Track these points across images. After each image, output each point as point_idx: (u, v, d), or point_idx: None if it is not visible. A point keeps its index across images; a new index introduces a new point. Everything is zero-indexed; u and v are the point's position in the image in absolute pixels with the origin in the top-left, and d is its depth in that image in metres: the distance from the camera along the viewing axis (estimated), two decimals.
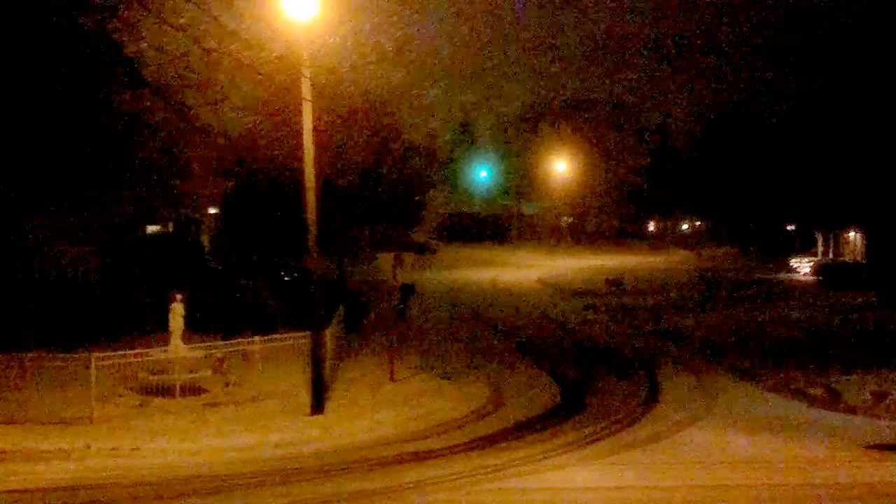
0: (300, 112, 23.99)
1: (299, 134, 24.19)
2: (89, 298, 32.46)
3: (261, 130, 34.16)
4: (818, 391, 26.14)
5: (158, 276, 33.88)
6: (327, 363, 26.72)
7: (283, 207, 33.85)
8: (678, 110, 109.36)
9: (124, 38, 24.77)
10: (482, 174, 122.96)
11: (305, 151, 23.95)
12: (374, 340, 35.95)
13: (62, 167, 28.60)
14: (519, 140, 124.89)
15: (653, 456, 19.44)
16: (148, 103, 29.29)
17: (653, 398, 26.22)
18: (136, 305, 32.56)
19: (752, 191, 76.10)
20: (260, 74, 24.13)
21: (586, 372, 30.62)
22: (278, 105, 31.25)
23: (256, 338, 26.72)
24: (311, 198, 23.91)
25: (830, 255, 69.01)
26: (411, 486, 16.59)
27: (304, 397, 24.54)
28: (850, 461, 18.70)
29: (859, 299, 48.03)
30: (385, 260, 29.32)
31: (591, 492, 16.56)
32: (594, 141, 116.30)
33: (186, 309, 26.84)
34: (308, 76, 23.32)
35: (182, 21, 21.50)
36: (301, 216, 24.18)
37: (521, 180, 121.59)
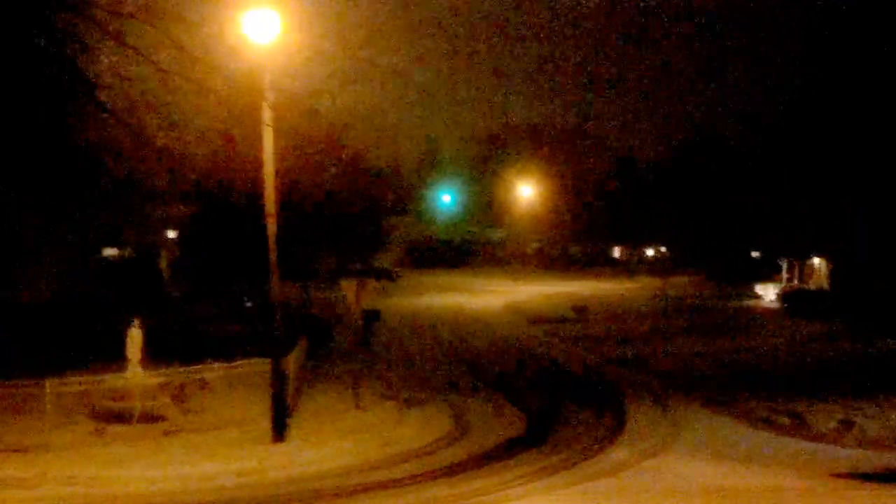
0: (261, 137, 23.71)
1: (260, 159, 23.89)
2: (44, 323, 31.87)
3: (222, 155, 33.82)
4: (785, 420, 26.08)
5: (116, 301, 33.36)
6: (290, 390, 26.35)
7: (244, 232, 33.49)
8: (643, 137, 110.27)
9: (83, 62, 24.39)
10: (445, 199, 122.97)
11: (266, 177, 23.66)
12: (338, 367, 35.61)
13: (16, 187, 28.11)
14: (483, 165, 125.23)
15: (617, 485, 19.26)
16: (107, 128, 28.90)
17: (618, 427, 26.01)
18: (92, 331, 31.96)
19: (716, 218, 76.53)
20: (219, 101, 23.82)
21: (551, 400, 30.39)
22: (239, 129, 30.96)
23: (216, 364, 26.28)
24: (272, 223, 23.61)
25: (795, 283, 69.36)
26: None
27: (266, 425, 24.12)
28: (817, 490, 18.57)
29: (825, 327, 48.20)
30: (348, 286, 29.10)
31: None
32: (559, 167, 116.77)
33: (144, 335, 26.37)
34: (269, 102, 23.05)
35: (141, 44, 21.17)
36: (262, 241, 23.88)
37: (485, 206, 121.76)
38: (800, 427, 25.08)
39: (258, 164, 24.24)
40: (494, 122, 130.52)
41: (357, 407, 27.92)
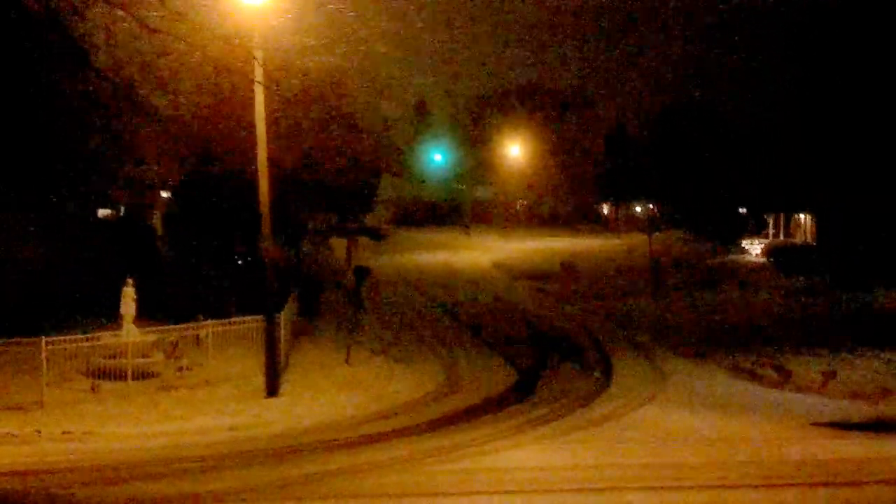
0: (252, 96, 23.88)
1: (252, 117, 24.07)
2: (38, 283, 32.05)
3: (213, 114, 33.89)
4: (769, 371, 26.55)
5: (110, 261, 33.51)
6: (282, 347, 26.69)
7: (237, 192, 33.60)
8: (633, 96, 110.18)
9: (70, 21, 24.42)
10: (437, 158, 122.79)
11: (259, 135, 23.86)
12: (330, 324, 35.96)
13: (8, 150, 28.20)
14: (474, 125, 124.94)
15: (606, 435, 19.62)
16: (95, 87, 28.95)
17: (606, 380, 26.46)
18: (86, 291, 32.17)
19: (704, 174, 76.69)
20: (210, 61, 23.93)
21: (541, 354, 30.81)
22: (230, 89, 31.07)
23: (210, 322, 26.56)
24: (264, 182, 23.84)
25: (781, 238, 69.80)
26: (366, 468, 16.61)
27: (259, 381, 24.50)
28: (799, 439, 18.98)
29: (810, 282, 48.62)
30: (339, 244, 29.34)
31: (544, 471, 16.66)
32: (548, 126, 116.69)
33: (138, 294, 26.62)
34: (260, 60, 23.18)
35: (130, 4, 21.23)
36: (255, 201, 24.12)
37: (475, 165, 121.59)
38: (783, 378, 25.56)
39: (250, 123, 24.43)
40: (485, 82, 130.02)
41: (348, 363, 28.28)
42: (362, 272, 44.61)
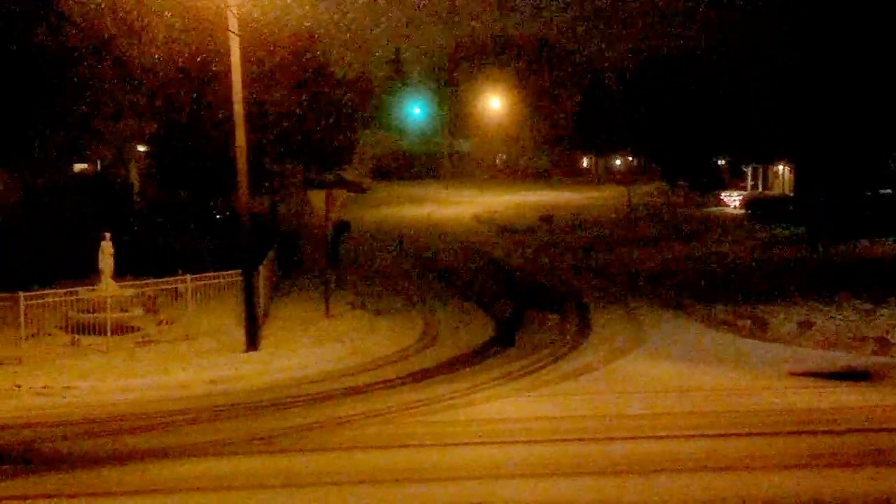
0: (228, 48, 23.64)
1: (227, 70, 23.85)
2: (16, 239, 31.84)
3: (188, 67, 33.56)
4: (746, 322, 26.68)
5: (86, 216, 33.30)
6: (261, 301, 26.68)
7: (214, 145, 33.40)
8: (610, 46, 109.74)
9: None
10: (416, 111, 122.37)
11: (234, 88, 23.65)
12: (309, 279, 35.94)
13: None
14: (452, 78, 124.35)
15: (585, 387, 19.71)
16: (70, 40, 28.58)
17: (585, 331, 26.57)
18: (62, 246, 31.99)
19: (682, 126, 76.76)
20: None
21: (520, 307, 30.89)
22: (205, 41, 30.75)
23: (188, 276, 26.48)
24: (240, 135, 23.67)
25: (760, 189, 70.03)
26: (344, 420, 16.66)
27: (238, 335, 24.51)
28: (775, 388, 19.12)
29: (787, 233, 48.89)
30: (317, 198, 29.13)
31: (522, 422, 16.74)
32: (527, 78, 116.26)
33: (116, 249, 26.49)
34: (234, 10, 22.94)
35: None
36: (232, 154, 23.96)
37: (454, 118, 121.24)
38: (760, 329, 25.70)
39: (226, 76, 24.21)
40: (463, 34, 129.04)
41: (327, 316, 28.28)
42: (341, 226, 44.50)
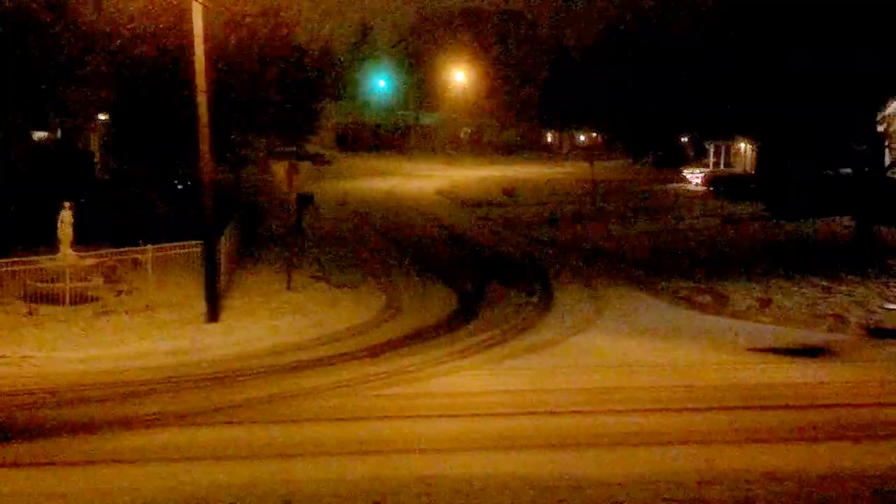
0: (190, 14, 23.41)
1: (191, 37, 23.61)
2: None
3: (151, 34, 33.17)
4: (706, 298, 26.92)
5: (45, 186, 32.91)
6: (222, 272, 26.53)
7: (176, 114, 33.06)
8: (574, 21, 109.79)
9: None
10: (380, 83, 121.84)
11: (197, 55, 23.41)
12: (271, 251, 35.79)
13: None
14: (417, 50, 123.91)
15: (545, 361, 19.81)
16: (30, 6, 28.19)
17: (546, 306, 26.67)
18: (21, 215, 31.61)
19: (646, 102, 76.98)
20: None
21: (482, 281, 30.94)
22: (169, 9, 30.41)
23: (148, 246, 26.26)
24: (202, 103, 23.45)
25: (722, 167, 70.47)
26: (305, 392, 16.66)
27: (199, 306, 24.39)
28: (733, 364, 19.33)
29: (748, 209, 49.28)
30: (279, 169, 28.90)
31: (482, 395, 16.83)
32: (492, 52, 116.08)
33: (76, 218, 26.21)
34: None
35: None
36: (194, 123, 23.74)
37: (419, 91, 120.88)
38: (720, 304, 25.93)
39: (188, 43, 23.97)
40: (430, 7, 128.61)
41: (289, 289, 28.18)
42: (304, 198, 44.25)
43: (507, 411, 15.50)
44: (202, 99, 23.42)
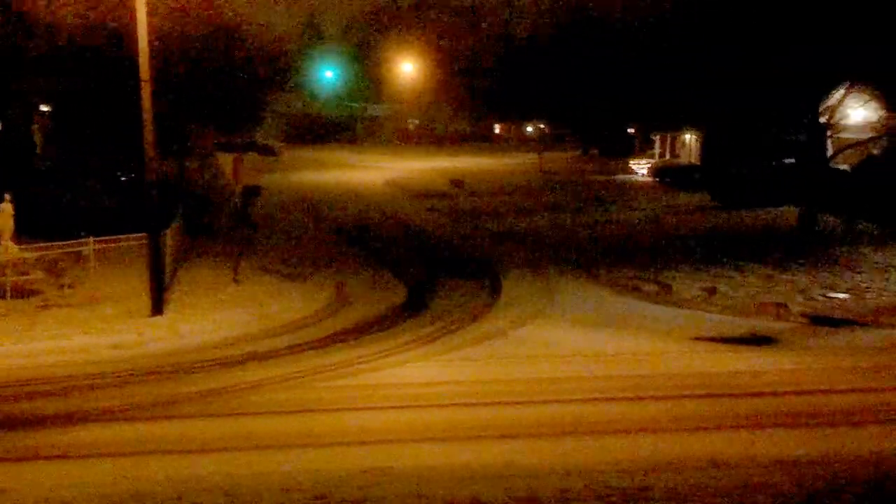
0: (133, 2, 23.12)
1: (134, 25, 23.29)
2: None
3: (94, 23, 32.70)
4: (652, 287, 27.09)
5: None
6: (168, 265, 26.27)
7: (120, 104, 32.63)
8: (523, 13, 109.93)
9: None
10: (328, 74, 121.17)
11: (140, 46, 23.12)
12: (218, 243, 35.49)
13: None
14: (366, 41, 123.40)
15: (493, 351, 19.82)
16: None
17: (494, 296, 26.70)
18: None
19: (593, 93, 77.31)
20: None
21: (431, 272, 30.91)
22: None
23: (91, 239, 25.91)
24: (146, 93, 23.18)
25: (668, 158, 70.96)
26: (251, 385, 16.53)
27: (144, 300, 24.12)
28: (679, 352, 19.47)
29: (695, 199, 49.66)
30: (226, 161, 28.74)
31: (430, 386, 16.80)
32: (441, 43, 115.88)
33: (17, 209, 25.80)
34: None
35: None
36: (138, 113, 23.45)
37: (368, 82, 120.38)
38: (666, 294, 26.11)
39: (132, 32, 23.65)
40: None
41: (236, 281, 27.99)
42: (252, 190, 44.03)
43: (454, 402, 15.49)
44: (146, 89, 23.14)
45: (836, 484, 10.52)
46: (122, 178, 41.16)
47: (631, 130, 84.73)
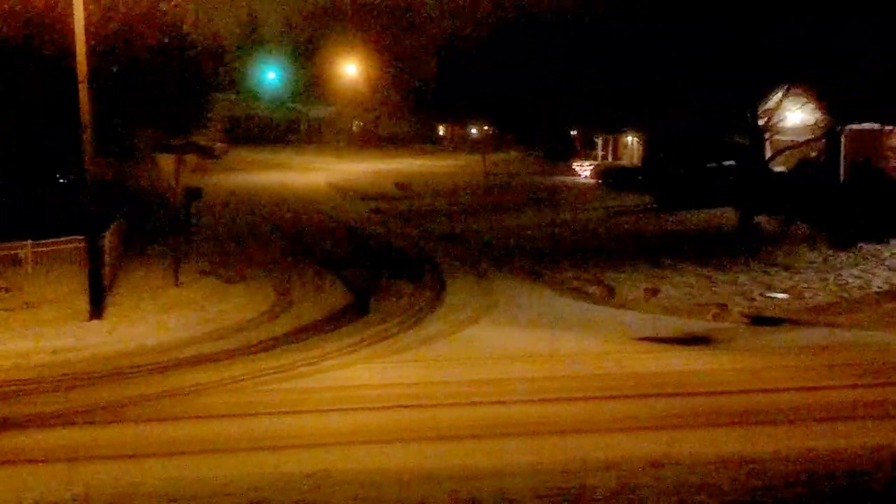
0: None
1: (71, 23, 23.00)
2: None
3: (31, 17, 32.21)
4: (595, 289, 27.30)
5: None
6: (107, 268, 25.95)
7: (57, 103, 32.15)
8: (466, 15, 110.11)
9: None
10: (270, 76, 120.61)
11: (77, 42, 22.81)
12: (157, 246, 35.12)
13: None
14: (308, 43, 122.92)
15: (437, 353, 19.85)
16: None
17: (438, 298, 26.73)
18: None
19: (536, 95, 77.66)
20: None
21: (375, 274, 30.85)
22: None
23: (28, 242, 25.53)
24: (84, 93, 22.86)
25: (610, 159, 71.55)
26: (191, 389, 16.38)
27: (82, 303, 23.81)
28: (620, 353, 19.62)
29: (636, 201, 50.12)
30: (166, 162, 28.33)
31: (374, 388, 16.80)
32: (384, 44, 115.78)
33: None
34: None
35: None
36: (75, 113, 23.14)
37: (310, 83, 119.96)
38: (608, 295, 26.33)
39: (68, 28, 23.35)
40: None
41: (177, 284, 27.71)
42: (193, 192, 43.47)
43: (396, 404, 15.48)
44: (83, 88, 22.84)
45: (772, 482, 10.68)
46: (61, 180, 40.57)
47: (574, 133, 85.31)
